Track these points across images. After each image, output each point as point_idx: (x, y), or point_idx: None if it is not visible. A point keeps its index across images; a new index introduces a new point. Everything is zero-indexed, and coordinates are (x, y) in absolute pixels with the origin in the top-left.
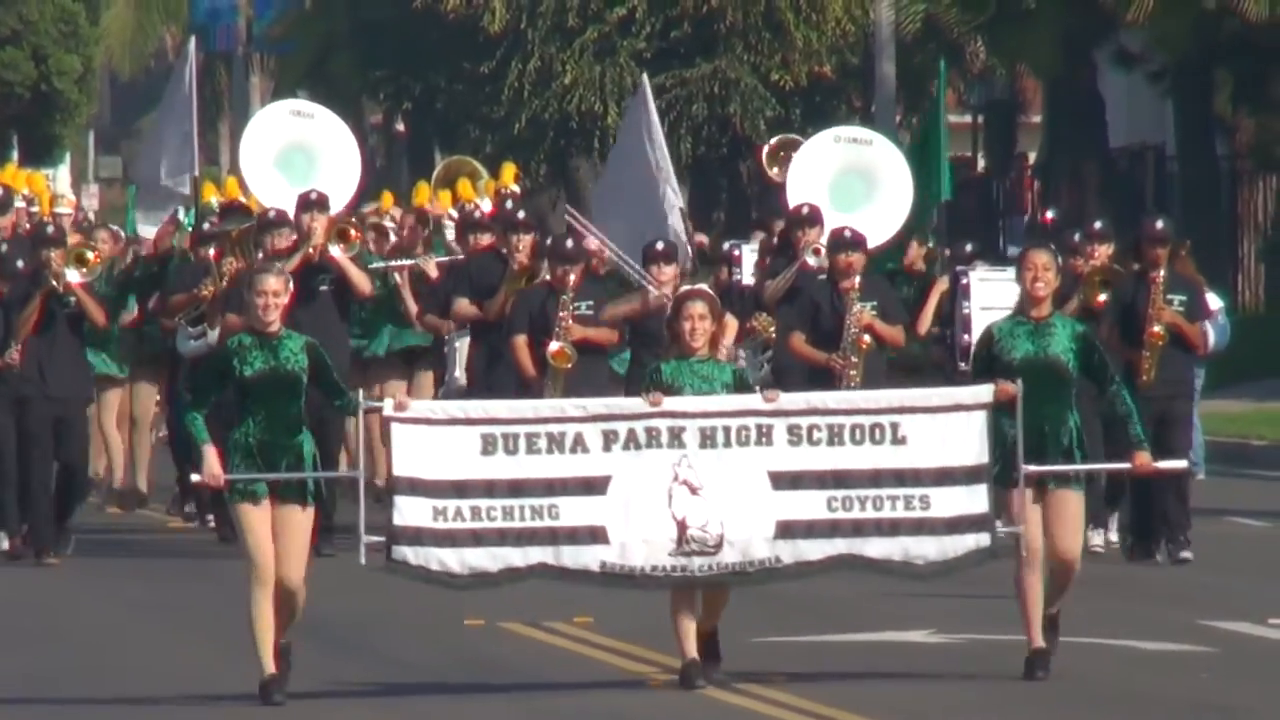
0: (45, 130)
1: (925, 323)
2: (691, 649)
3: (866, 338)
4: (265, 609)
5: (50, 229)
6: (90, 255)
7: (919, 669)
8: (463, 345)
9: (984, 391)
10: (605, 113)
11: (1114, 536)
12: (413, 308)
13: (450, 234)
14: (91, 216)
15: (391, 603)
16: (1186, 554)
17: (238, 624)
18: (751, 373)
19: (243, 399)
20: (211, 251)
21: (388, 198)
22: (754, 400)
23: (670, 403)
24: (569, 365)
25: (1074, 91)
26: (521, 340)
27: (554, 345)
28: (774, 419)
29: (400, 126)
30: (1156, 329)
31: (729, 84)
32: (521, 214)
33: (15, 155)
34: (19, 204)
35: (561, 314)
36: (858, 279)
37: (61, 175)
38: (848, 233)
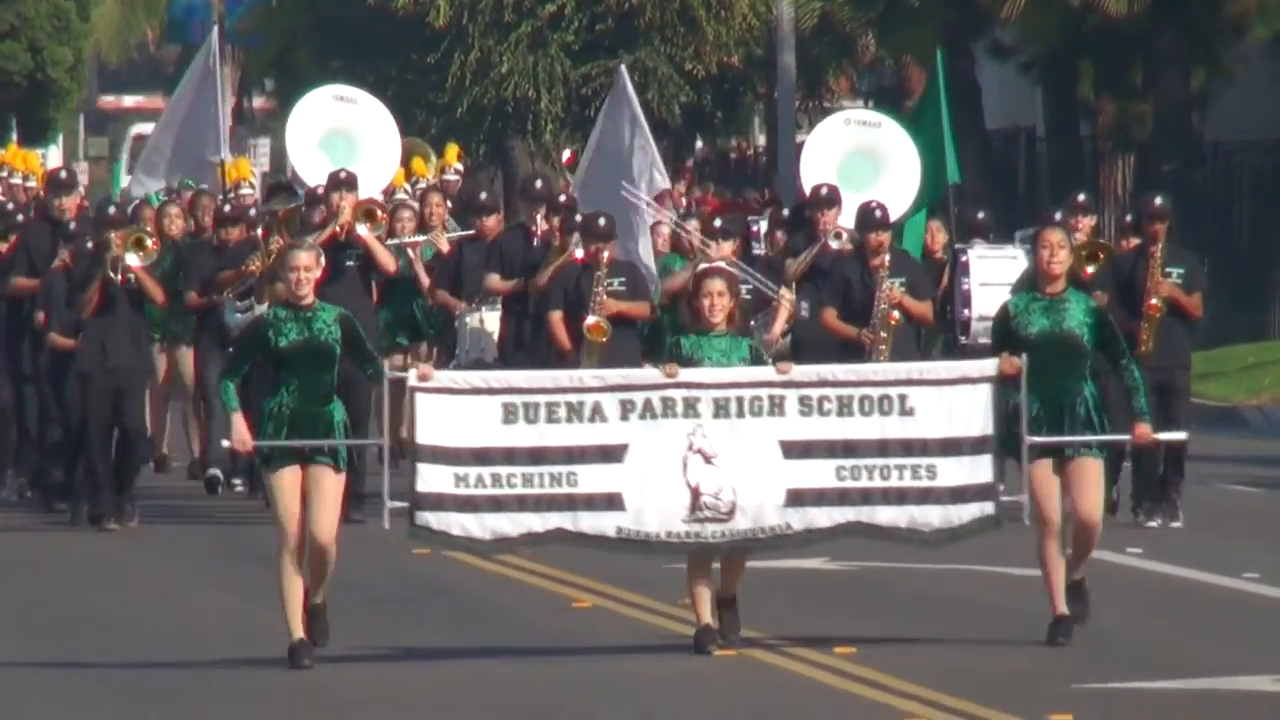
0: (40, 114)
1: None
2: (706, 615)
3: (895, 313)
4: (293, 575)
5: (112, 210)
6: (149, 241)
7: (823, 594)
8: (474, 320)
9: (989, 365)
10: (538, 99)
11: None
12: (425, 281)
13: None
14: (81, 190)
15: (351, 532)
16: (1176, 523)
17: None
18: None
19: (277, 369)
20: (260, 230)
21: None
22: (767, 372)
23: (686, 374)
24: (604, 339)
25: (954, 80)
26: (558, 315)
27: (590, 319)
28: (786, 390)
29: None
30: (1155, 301)
31: (647, 73)
32: (563, 197)
33: (14, 136)
34: (16, 180)
35: (596, 289)
36: (887, 257)
37: (54, 154)
38: (878, 211)
